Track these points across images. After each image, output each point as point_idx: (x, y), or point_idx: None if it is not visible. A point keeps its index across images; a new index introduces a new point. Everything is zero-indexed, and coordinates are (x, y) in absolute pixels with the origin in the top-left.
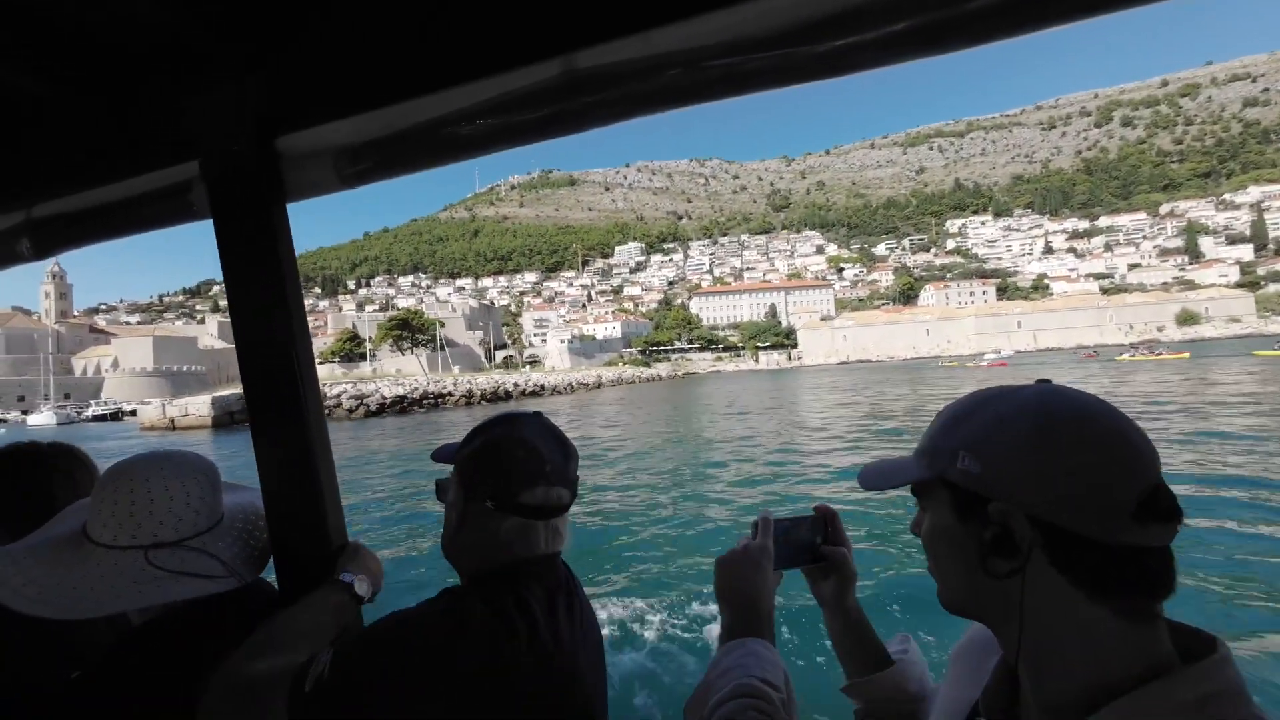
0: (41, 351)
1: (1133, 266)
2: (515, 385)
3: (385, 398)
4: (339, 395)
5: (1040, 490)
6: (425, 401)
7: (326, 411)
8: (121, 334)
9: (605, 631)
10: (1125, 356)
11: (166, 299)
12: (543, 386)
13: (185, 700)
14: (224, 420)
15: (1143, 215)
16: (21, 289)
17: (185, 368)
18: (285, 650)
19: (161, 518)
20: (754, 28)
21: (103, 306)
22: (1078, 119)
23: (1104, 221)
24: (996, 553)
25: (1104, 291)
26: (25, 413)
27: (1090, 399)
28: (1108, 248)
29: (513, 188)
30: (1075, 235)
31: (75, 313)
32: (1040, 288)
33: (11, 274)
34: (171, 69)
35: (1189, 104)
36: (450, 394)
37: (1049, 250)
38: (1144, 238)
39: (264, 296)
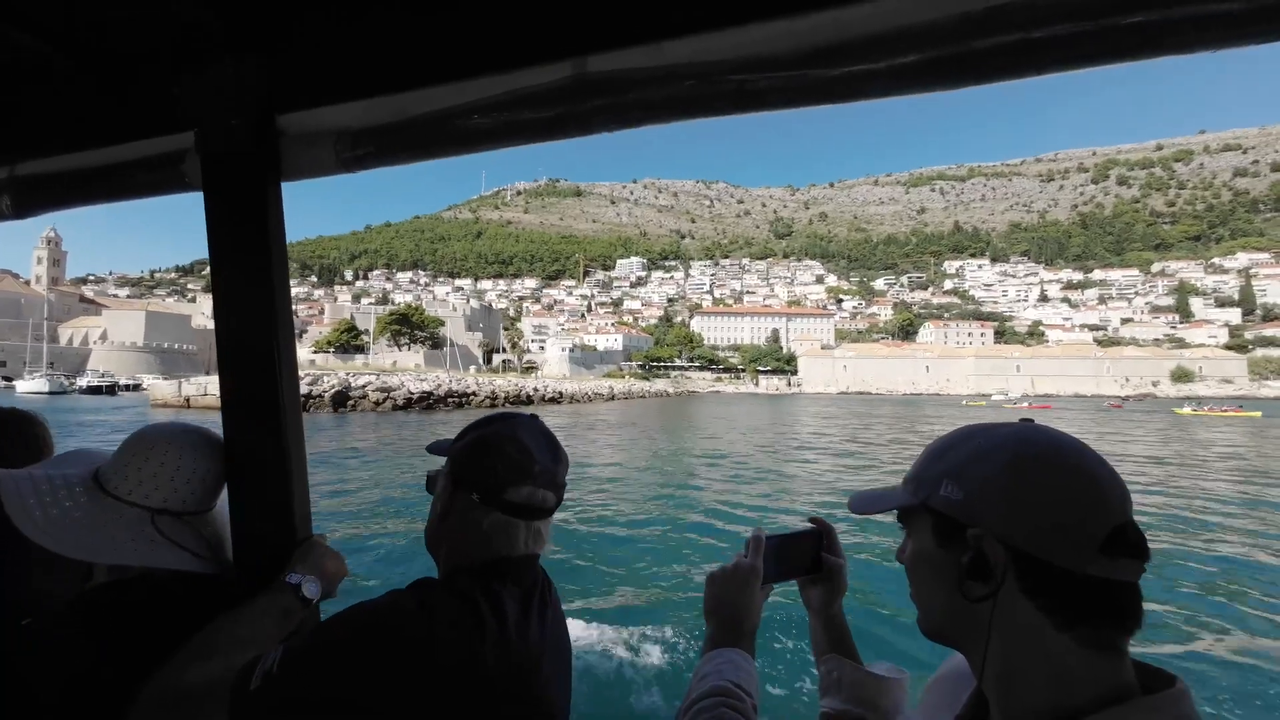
0: (31, 318)
1: (1125, 321)
2: (535, 390)
3: (412, 393)
4: (364, 387)
5: (1014, 518)
6: (450, 400)
7: (351, 403)
8: (112, 306)
9: (600, 643)
10: (1187, 410)
11: (158, 274)
12: (560, 393)
13: (135, 664)
14: None
15: (1135, 272)
16: (12, 253)
17: (176, 346)
18: (221, 657)
19: (177, 487)
20: (766, 47)
21: (91, 277)
22: (1075, 174)
23: (1097, 274)
24: (972, 576)
25: (1098, 343)
26: (7, 379)
27: (1066, 437)
28: (1101, 300)
29: (518, 193)
30: (1070, 286)
31: (66, 281)
32: (1036, 334)
33: (1, 237)
34: (173, 44)
35: (1182, 169)
36: (474, 394)
37: (1044, 298)
38: (1136, 293)
39: (250, 275)
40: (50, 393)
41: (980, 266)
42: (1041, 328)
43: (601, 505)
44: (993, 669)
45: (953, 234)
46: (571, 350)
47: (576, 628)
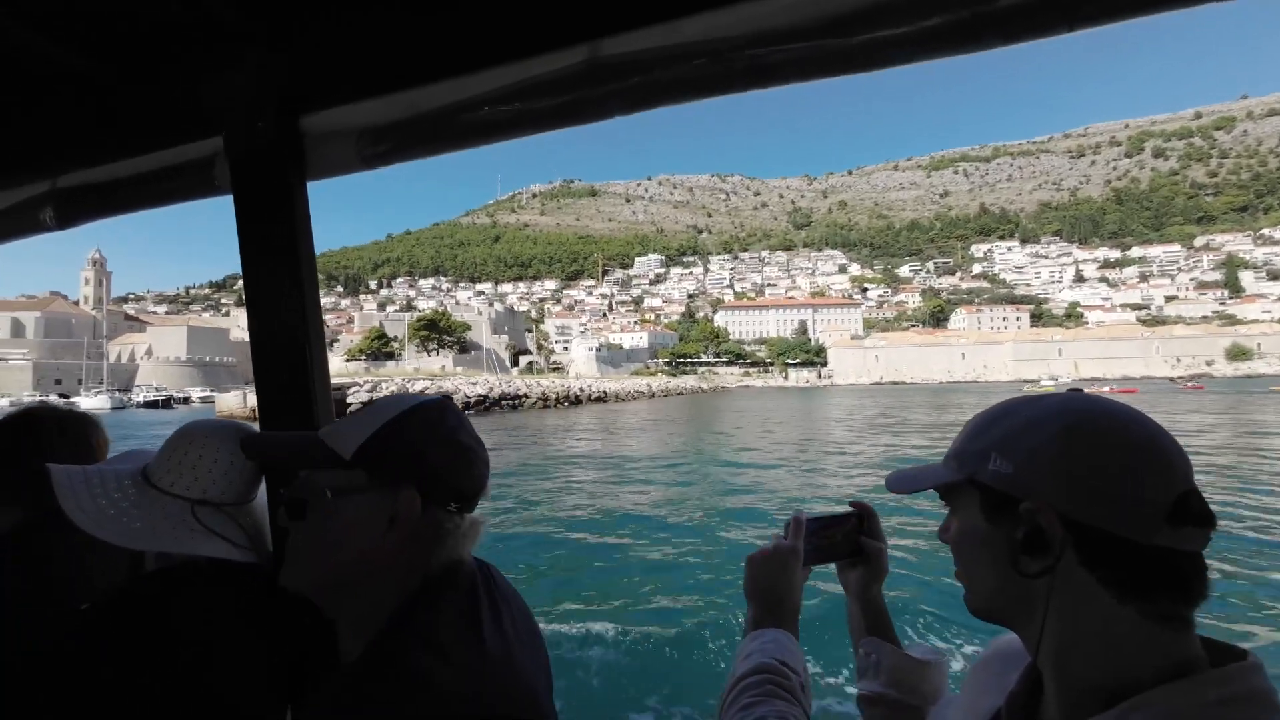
0: (85, 336)
1: (1169, 298)
2: (581, 390)
3: (469, 397)
4: (422, 392)
5: (1073, 489)
6: (504, 402)
7: None
8: (154, 322)
9: (642, 624)
10: None
11: (193, 290)
12: (605, 392)
13: (182, 650)
14: None
15: (1176, 247)
16: (59, 273)
17: (216, 359)
18: None
19: (215, 479)
20: (782, 19)
21: (131, 295)
22: (1107, 148)
23: (1136, 252)
24: (1028, 552)
25: (1143, 323)
26: (64, 396)
27: (1118, 404)
28: (1143, 278)
29: (534, 196)
30: (1107, 265)
31: (111, 300)
32: (1074, 316)
33: (48, 258)
34: (198, 45)
35: (1224, 137)
36: (526, 396)
37: (1080, 278)
38: (1179, 269)
39: (280, 272)
40: (112, 409)
41: (1010, 249)
42: (1080, 309)
43: (656, 494)
44: (1050, 645)
45: (979, 216)
46: (598, 349)
47: (619, 614)
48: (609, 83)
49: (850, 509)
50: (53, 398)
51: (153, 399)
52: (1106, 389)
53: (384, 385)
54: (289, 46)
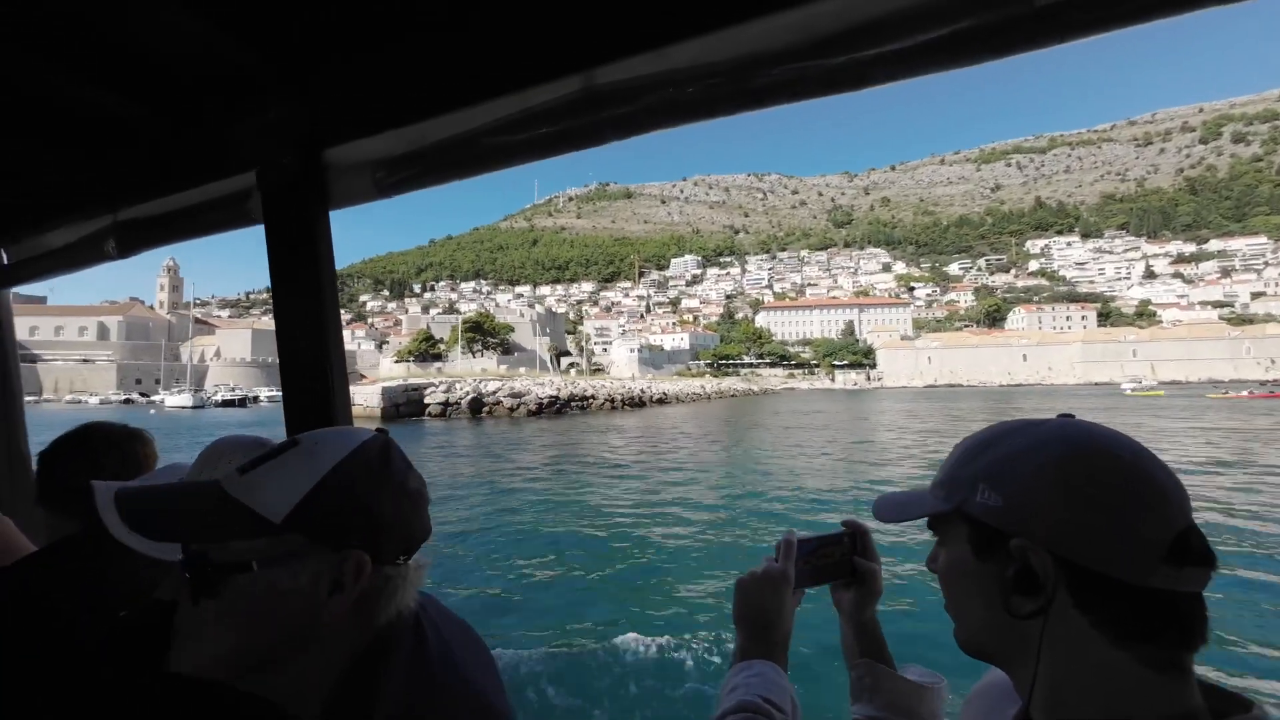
0: (161, 339)
1: (1256, 295)
2: (642, 391)
3: (541, 398)
4: (495, 393)
5: (1064, 526)
6: (574, 404)
7: (487, 409)
8: (221, 326)
9: (639, 650)
10: None
11: (253, 295)
12: (665, 394)
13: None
14: (391, 412)
15: (1263, 239)
16: (137, 280)
17: (278, 360)
18: None
19: None
20: (768, 43)
21: (197, 301)
22: (1178, 135)
23: (1215, 245)
24: (1019, 591)
25: (1228, 321)
26: (144, 395)
27: (1115, 433)
28: (1224, 273)
29: (570, 199)
30: (1181, 259)
31: (183, 305)
32: (1146, 314)
33: (126, 265)
34: (232, 93)
35: None
36: (594, 398)
37: (1151, 274)
38: (1266, 264)
39: (305, 292)
40: (193, 407)
41: (1070, 244)
42: (1152, 307)
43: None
44: (1042, 691)
45: (1034, 211)
46: (639, 350)
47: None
48: (603, 109)
49: (842, 529)
50: (135, 396)
51: (229, 398)
52: (1244, 393)
53: (458, 385)
54: (309, 90)
